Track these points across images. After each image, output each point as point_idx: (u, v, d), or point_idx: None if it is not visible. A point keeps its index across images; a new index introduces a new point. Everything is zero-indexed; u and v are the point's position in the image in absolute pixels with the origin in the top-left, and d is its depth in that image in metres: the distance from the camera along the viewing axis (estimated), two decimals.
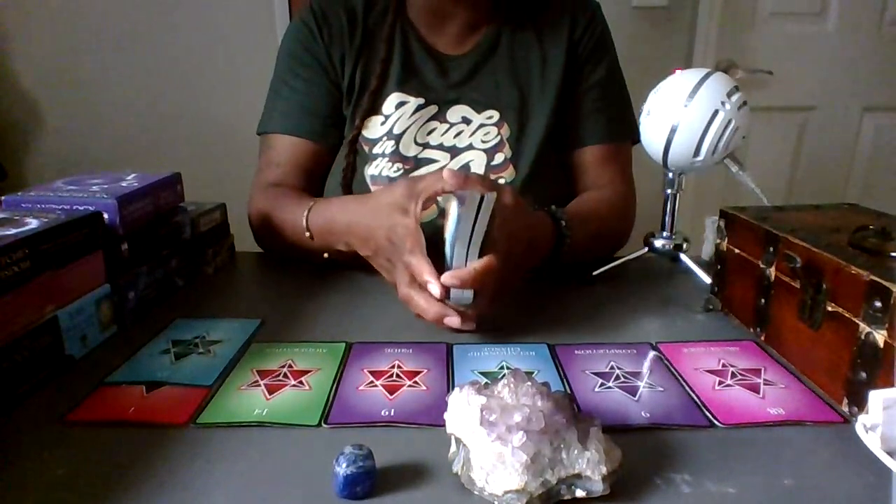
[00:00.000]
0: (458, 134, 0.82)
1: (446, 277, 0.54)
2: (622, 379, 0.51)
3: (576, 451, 0.36)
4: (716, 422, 0.45)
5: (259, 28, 1.78)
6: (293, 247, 0.76)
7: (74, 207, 0.58)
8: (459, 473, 0.38)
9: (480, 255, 0.55)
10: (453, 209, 0.56)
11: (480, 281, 0.54)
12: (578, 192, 0.86)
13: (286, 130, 0.84)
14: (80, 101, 1.83)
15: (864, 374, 0.44)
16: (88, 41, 1.79)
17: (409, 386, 0.50)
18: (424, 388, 0.49)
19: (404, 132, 0.81)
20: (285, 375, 0.51)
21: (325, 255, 0.73)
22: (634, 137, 0.86)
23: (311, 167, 0.85)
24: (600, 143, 0.86)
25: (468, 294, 0.55)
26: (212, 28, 1.79)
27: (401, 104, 0.82)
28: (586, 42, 0.85)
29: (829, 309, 0.48)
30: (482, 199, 0.53)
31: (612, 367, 0.53)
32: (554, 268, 0.69)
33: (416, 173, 0.80)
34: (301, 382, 0.50)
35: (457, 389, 0.41)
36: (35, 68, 1.81)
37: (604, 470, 0.36)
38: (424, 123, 0.82)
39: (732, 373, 0.52)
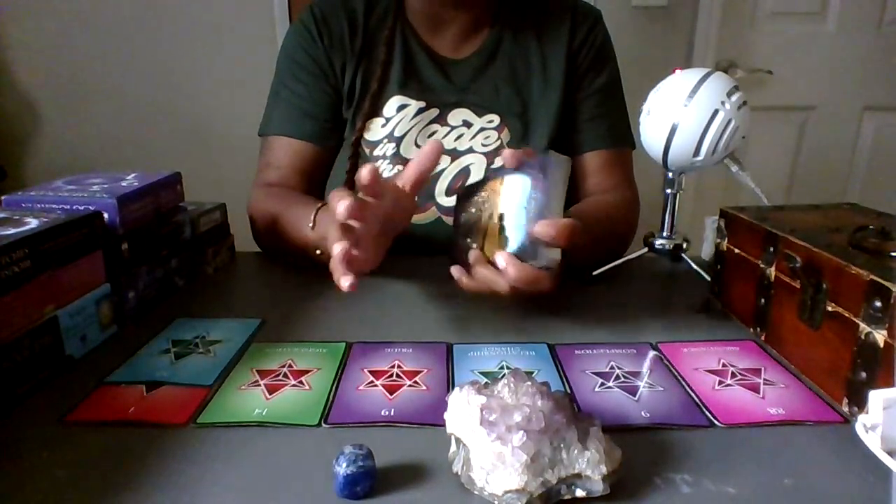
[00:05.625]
0: (458, 137, 0.82)
1: (542, 226, 0.50)
2: (622, 379, 0.51)
3: (576, 451, 0.36)
4: (716, 422, 0.45)
5: (259, 29, 1.78)
6: (295, 247, 0.76)
7: (74, 207, 0.58)
8: (459, 473, 0.38)
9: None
10: (516, 184, 0.53)
11: (570, 236, 0.50)
12: (582, 197, 0.86)
13: (285, 133, 0.84)
14: (80, 102, 1.83)
15: (864, 374, 0.44)
16: (88, 41, 1.79)
17: (409, 386, 0.50)
18: (424, 387, 0.49)
19: (405, 135, 0.81)
20: (285, 375, 0.51)
21: (318, 251, 0.72)
22: (633, 145, 0.86)
23: (309, 169, 0.85)
24: (603, 149, 0.86)
25: (556, 253, 0.52)
26: (212, 29, 1.79)
27: (402, 107, 0.82)
28: (587, 51, 0.85)
29: (829, 309, 0.48)
30: (563, 162, 0.52)
31: (612, 367, 0.53)
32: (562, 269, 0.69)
33: None
34: (301, 382, 0.50)
35: (457, 389, 0.41)
36: (35, 68, 1.81)
37: (604, 470, 0.36)
38: (425, 126, 0.82)
39: (732, 373, 0.52)
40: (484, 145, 0.82)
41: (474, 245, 0.57)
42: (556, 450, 0.36)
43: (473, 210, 0.58)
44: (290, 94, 0.85)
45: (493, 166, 0.81)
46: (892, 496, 0.35)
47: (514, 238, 0.53)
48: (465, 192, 0.60)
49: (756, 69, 1.86)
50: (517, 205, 0.53)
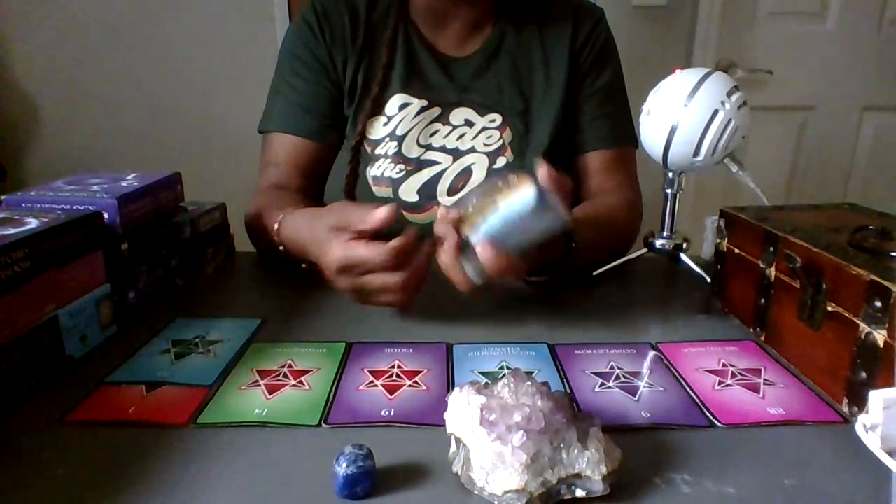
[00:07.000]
0: (460, 136, 0.82)
1: (491, 251, 0.52)
2: (622, 379, 0.51)
3: (576, 451, 0.36)
4: (716, 422, 0.45)
5: (259, 28, 1.78)
6: (277, 252, 0.71)
7: (74, 207, 0.58)
8: (459, 473, 0.38)
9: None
10: (525, 193, 0.53)
11: (510, 276, 0.53)
12: (584, 197, 0.86)
13: (285, 129, 0.84)
14: (80, 101, 1.83)
15: (864, 374, 0.44)
16: (88, 41, 1.79)
17: (409, 386, 0.50)
18: (424, 388, 0.49)
19: (407, 133, 0.81)
20: (285, 375, 0.51)
21: (304, 265, 0.68)
22: (636, 144, 0.86)
23: (310, 166, 0.84)
24: (605, 149, 0.86)
25: (478, 273, 0.54)
26: (212, 28, 1.79)
27: (404, 105, 0.82)
28: (589, 51, 0.85)
29: (829, 309, 0.48)
30: (555, 215, 0.53)
31: (612, 367, 0.53)
32: (562, 272, 0.69)
33: (419, 175, 0.80)
34: (301, 382, 0.50)
35: (457, 389, 0.41)
36: (35, 68, 1.81)
37: (604, 470, 0.36)
38: (427, 125, 0.82)
39: (732, 373, 0.52)
40: (486, 145, 0.81)
41: (470, 206, 0.57)
42: (556, 450, 0.36)
43: (500, 183, 0.58)
44: (291, 91, 0.84)
45: (495, 167, 0.80)
46: (892, 496, 0.35)
47: (480, 228, 0.54)
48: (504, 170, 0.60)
49: (756, 69, 1.86)
50: (505, 207, 0.53)
